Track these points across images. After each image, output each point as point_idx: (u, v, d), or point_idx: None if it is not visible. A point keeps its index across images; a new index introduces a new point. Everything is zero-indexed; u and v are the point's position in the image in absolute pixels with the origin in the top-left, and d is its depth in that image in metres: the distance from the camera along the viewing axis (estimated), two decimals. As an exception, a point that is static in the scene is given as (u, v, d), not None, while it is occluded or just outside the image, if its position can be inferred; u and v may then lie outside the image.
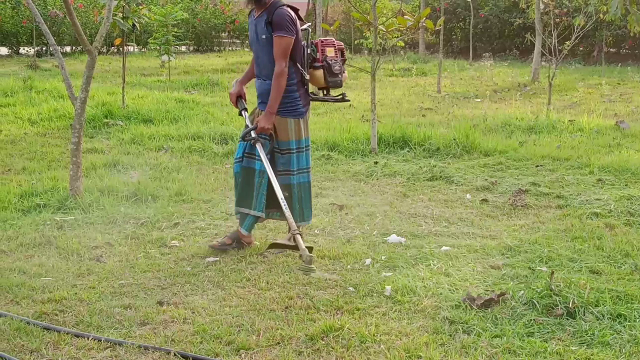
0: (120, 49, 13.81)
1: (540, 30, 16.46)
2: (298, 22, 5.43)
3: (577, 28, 12.61)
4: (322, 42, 5.59)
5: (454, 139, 9.37)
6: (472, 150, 9.24)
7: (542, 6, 16.85)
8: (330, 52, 5.58)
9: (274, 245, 5.48)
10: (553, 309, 4.38)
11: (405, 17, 9.09)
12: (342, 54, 5.68)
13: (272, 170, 5.41)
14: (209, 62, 21.61)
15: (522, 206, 6.84)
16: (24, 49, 23.40)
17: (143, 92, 13.98)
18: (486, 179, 7.84)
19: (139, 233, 6.04)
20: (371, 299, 4.70)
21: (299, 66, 5.46)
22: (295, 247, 5.29)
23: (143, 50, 24.55)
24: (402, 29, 9.27)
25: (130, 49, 23.54)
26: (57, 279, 5.02)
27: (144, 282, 4.98)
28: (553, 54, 12.52)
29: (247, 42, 27.77)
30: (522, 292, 4.64)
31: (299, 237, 5.23)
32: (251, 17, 5.57)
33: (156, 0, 24.08)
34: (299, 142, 5.53)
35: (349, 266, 5.31)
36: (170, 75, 17.31)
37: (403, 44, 21.84)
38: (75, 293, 4.74)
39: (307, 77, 5.52)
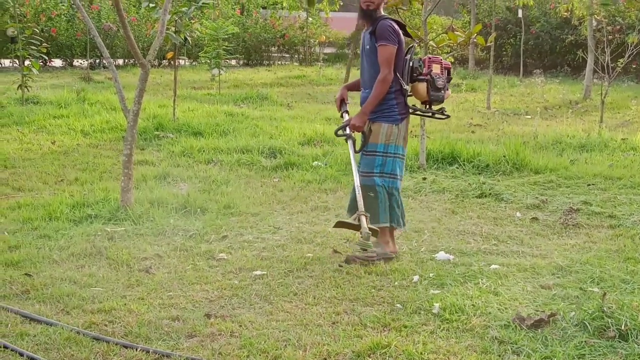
0: (172, 62, 13.95)
1: (592, 47, 16.25)
2: (402, 35, 5.72)
3: (631, 46, 12.41)
4: (429, 58, 5.85)
5: (504, 156, 9.27)
6: (522, 167, 9.13)
7: (594, 23, 16.64)
8: (436, 68, 5.81)
9: (339, 224, 5.78)
10: (605, 331, 4.29)
11: (456, 32, 9.04)
12: (448, 73, 5.90)
13: (357, 168, 5.78)
14: (258, 76, 21.75)
15: (573, 225, 6.73)
16: (77, 61, 23.84)
17: (193, 105, 14.11)
18: (536, 197, 7.74)
19: (187, 245, 6.09)
20: (419, 316, 4.67)
21: (399, 76, 5.70)
22: (359, 227, 5.55)
23: (194, 63, 24.81)
24: (452, 44, 9.22)
25: (182, 62, 23.82)
26: (107, 289, 5.08)
27: (192, 295, 5.01)
28: (606, 71, 12.34)
29: (296, 56, 28.05)
30: (573, 313, 4.56)
31: (363, 218, 5.53)
32: (364, 31, 5.93)
33: (208, 15, 24.35)
34: (386, 147, 5.74)
35: (396, 283, 5.28)
36: (220, 88, 17.44)
37: (453, 60, 21.74)
38: (125, 304, 4.79)
39: (406, 87, 5.74)
